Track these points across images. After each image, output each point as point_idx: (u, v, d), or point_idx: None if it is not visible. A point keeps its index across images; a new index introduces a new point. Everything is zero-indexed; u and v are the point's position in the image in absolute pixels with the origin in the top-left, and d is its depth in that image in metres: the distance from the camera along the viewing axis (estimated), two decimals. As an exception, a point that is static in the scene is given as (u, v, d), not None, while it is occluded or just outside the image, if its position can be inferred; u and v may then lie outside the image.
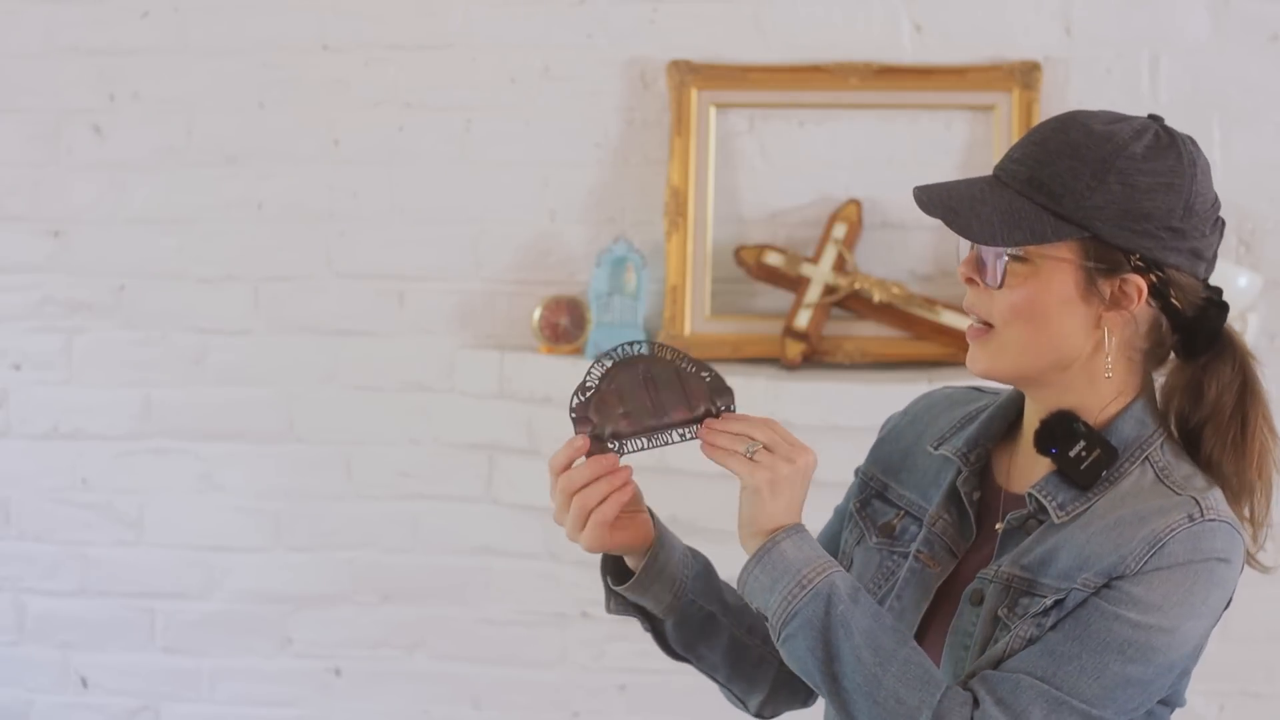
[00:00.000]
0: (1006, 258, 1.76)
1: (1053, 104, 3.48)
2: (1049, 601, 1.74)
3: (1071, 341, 1.78)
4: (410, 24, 3.65)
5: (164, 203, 3.74)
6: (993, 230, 1.75)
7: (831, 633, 1.71)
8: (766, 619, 1.76)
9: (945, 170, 3.49)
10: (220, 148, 3.72)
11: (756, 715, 2.02)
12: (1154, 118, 1.80)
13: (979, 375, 1.83)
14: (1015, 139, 3.41)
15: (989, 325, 1.80)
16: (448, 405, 3.69)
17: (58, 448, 3.81)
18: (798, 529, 1.76)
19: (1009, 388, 1.90)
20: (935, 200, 1.79)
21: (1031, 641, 1.74)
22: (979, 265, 1.80)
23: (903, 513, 1.93)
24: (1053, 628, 1.73)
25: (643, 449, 1.81)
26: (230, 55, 3.70)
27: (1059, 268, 1.76)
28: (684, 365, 1.82)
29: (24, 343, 3.80)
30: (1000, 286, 1.77)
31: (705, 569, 1.94)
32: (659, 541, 1.89)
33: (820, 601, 1.71)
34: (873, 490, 1.97)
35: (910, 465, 1.94)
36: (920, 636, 1.85)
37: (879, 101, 3.52)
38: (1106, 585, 1.72)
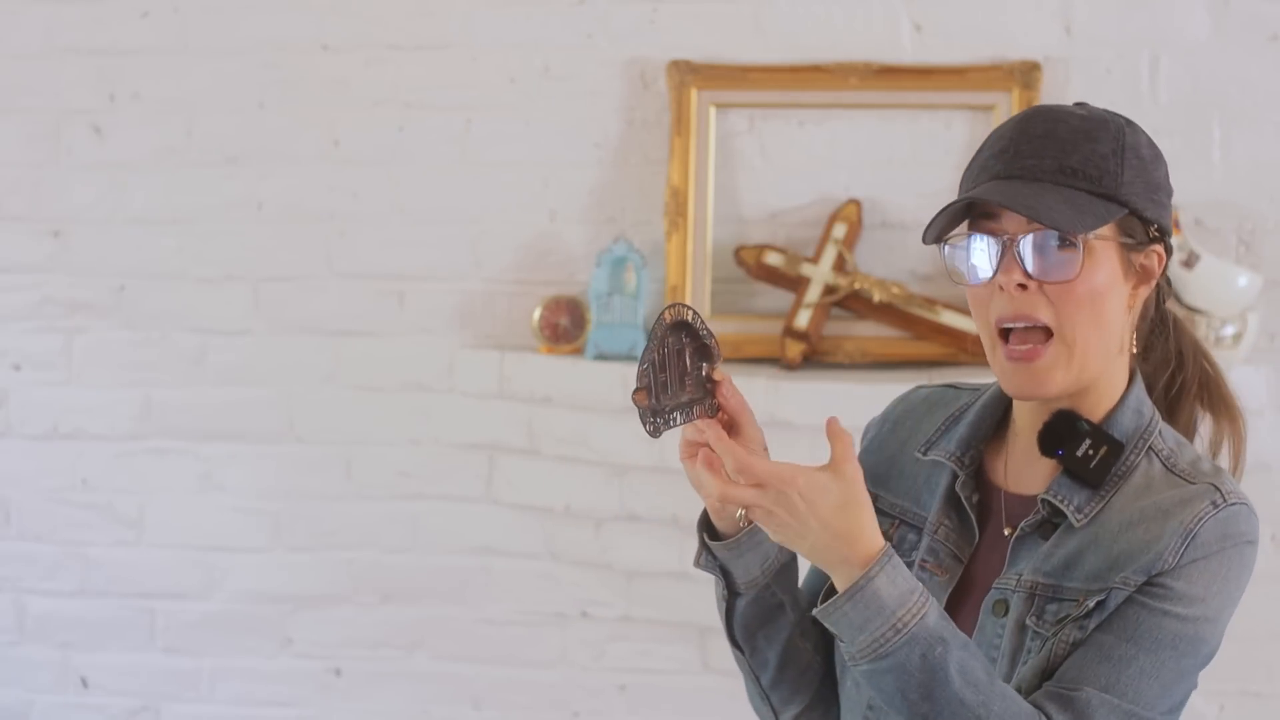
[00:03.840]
0: (1079, 246, 1.74)
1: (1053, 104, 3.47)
2: (1090, 604, 1.73)
3: (1118, 325, 1.79)
4: (410, 24, 3.65)
5: (164, 203, 3.74)
6: (1069, 218, 1.72)
7: (927, 675, 1.66)
8: (840, 639, 1.70)
9: (945, 170, 3.49)
10: (220, 148, 3.72)
11: None
12: (1079, 104, 1.83)
13: (1049, 397, 1.78)
14: (1015, 139, 3.42)
15: (1047, 334, 1.75)
16: (448, 405, 3.69)
17: (58, 448, 3.81)
18: (889, 557, 1.67)
19: (989, 382, 1.89)
20: (1004, 198, 1.73)
21: (1076, 645, 1.73)
22: (1039, 263, 1.74)
23: (898, 522, 1.90)
24: (1098, 629, 1.73)
25: (677, 425, 1.72)
26: (230, 55, 3.70)
27: (1106, 249, 1.76)
28: (699, 343, 1.75)
29: (24, 343, 3.80)
30: (1078, 276, 1.73)
31: (791, 560, 1.87)
32: None
33: (915, 646, 1.66)
34: None
35: (898, 472, 1.92)
36: None
37: (879, 101, 3.52)
38: (1148, 583, 1.72)
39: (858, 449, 1.93)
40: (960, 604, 1.83)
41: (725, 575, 1.83)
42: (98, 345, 3.78)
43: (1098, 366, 1.78)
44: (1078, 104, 1.82)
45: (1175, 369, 1.87)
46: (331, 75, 3.68)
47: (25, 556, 3.84)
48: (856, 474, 1.67)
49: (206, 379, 3.76)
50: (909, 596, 1.66)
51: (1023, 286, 1.75)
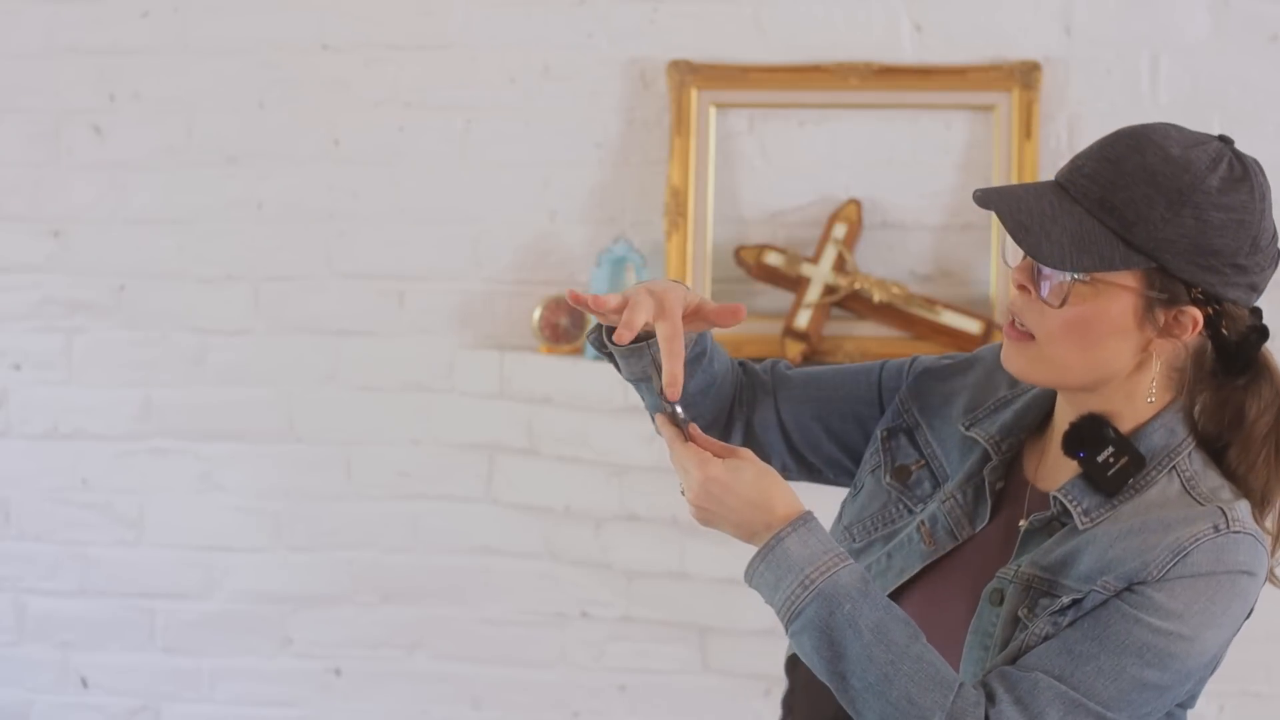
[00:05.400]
0: (1071, 280, 1.75)
1: (1053, 104, 3.47)
2: (1066, 600, 1.74)
3: (1116, 364, 1.78)
4: (410, 24, 3.65)
5: (164, 203, 3.74)
6: (1062, 253, 1.73)
7: (837, 633, 1.70)
8: (770, 604, 1.76)
9: (945, 170, 3.49)
10: (220, 148, 3.72)
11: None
12: (1224, 140, 1.79)
13: (1014, 375, 1.83)
14: (1015, 139, 3.42)
15: (1031, 334, 1.79)
16: (448, 405, 3.69)
17: (58, 448, 3.81)
18: (804, 520, 1.74)
19: None
20: (1003, 210, 1.76)
21: (1047, 639, 1.74)
22: (1035, 276, 1.78)
23: (922, 462, 1.93)
24: (1070, 626, 1.73)
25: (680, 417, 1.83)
26: (230, 55, 3.70)
27: (1120, 295, 1.75)
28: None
29: (24, 343, 3.80)
30: (1060, 306, 1.76)
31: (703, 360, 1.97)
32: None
33: (824, 602, 1.70)
34: (904, 424, 1.97)
35: (945, 415, 1.95)
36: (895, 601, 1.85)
37: (879, 101, 3.52)
38: (1128, 589, 1.72)
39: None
40: (940, 577, 1.85)
41: (609, 358, 1.95)
42: (98, 345, 3.78)
43: (1080, 383, 1.80)
44: (1189, 138, 1.77)
45: (1240, 430, 1.82)
46: (331, 75, 3.68)
47: (25, 556, 3.84)
48: (751, 454, 1.78)
49: (206, 379, 3.76)
50: (820, 555, 1.73)
51: (1023, 288, 1.79)
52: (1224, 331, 1.78)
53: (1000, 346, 1.96)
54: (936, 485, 1.92)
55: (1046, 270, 1.77)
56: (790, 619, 1.72)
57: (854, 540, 1.94)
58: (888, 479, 1.94)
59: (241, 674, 3.81)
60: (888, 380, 2.02)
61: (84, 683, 3.85)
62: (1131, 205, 1.73)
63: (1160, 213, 1.73)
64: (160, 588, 3.82)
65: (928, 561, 1.87)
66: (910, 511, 1.91)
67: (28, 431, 3.82)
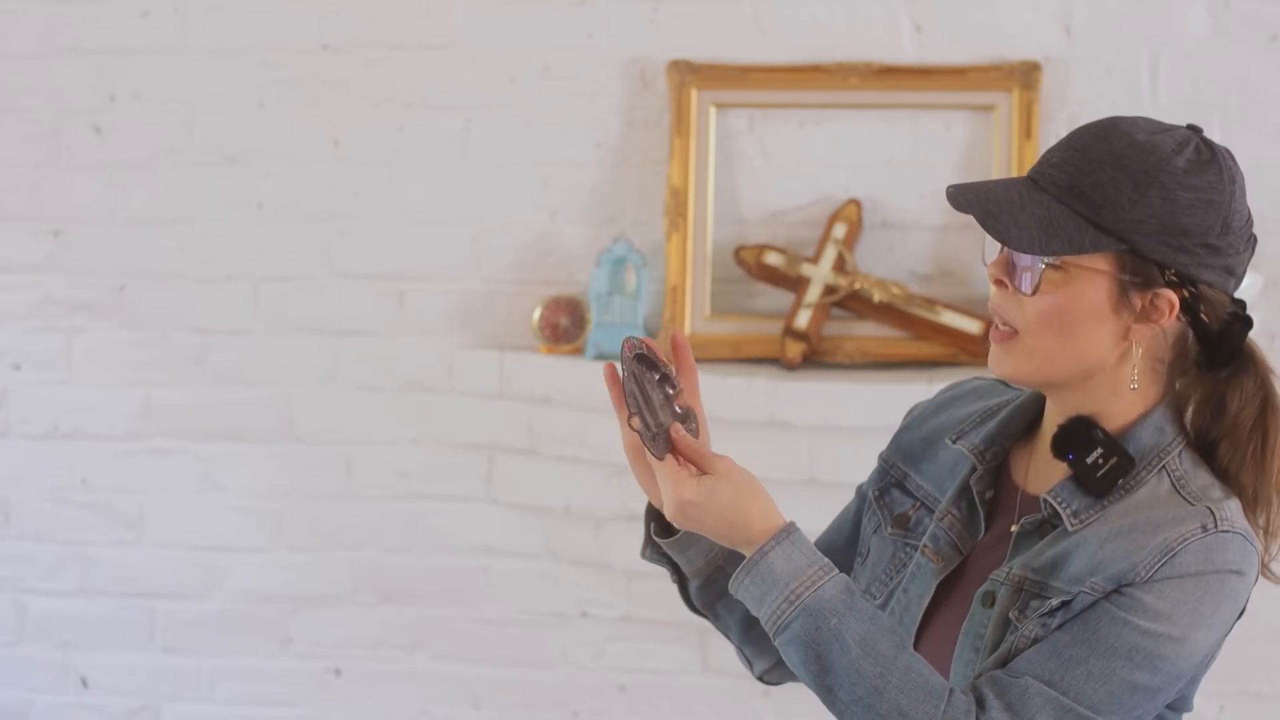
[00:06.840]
0: (1043, 266, 1.75)
1: (1052, 104, 3.48)
2: (1055, 602, 1.74)
3: (1098, 351, 1.78)
4: (410, 24, 3.65)
5: (164, 203, 3.74)
6: (1031, 238, 1.74)
7: (824, 647, 1.69)
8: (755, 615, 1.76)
9: (945, 170, 3.49)
10: (220, 148, 3.72)
11: (760, 679, 2.02)
12: (1193, 128, 1.80)
13: (1002, 377, 1.83)
14: (1015, 139, 3.42)
15: (1014, 330, 1.79)
16: (448, 405, 3.69)
17: (58, 448, 3.81)
18: (786, 533, 1.73)
19: None
20: (972, 201, 1.77)
21: (1036, 641, 1.73)
22: (1010, 269, 1.79)
23: (919, 504, 1.93)
24: (1059, 628, 1.73)
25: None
26: (230, 55, 3.70)
27: (1093, 279, 1.75)
28: (661, 372, 1.81)
29: (24, 343, 3.80)
30: (1034, 294, 1.76)
31: None
32: None
33: (810, 617, 1.70)
34: (892, 479, 1.97)
35: (931, 455, 1.94)
36: (922, 631, 1.86)
37: (879, 101, 3.52)
38: (1116, 591, 1.71)
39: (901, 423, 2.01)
40: (957, 593, 1.85)
41: (672, 565, 1.91)
42: (98, 345, 3.78)
43: (1065, 375, 1.79)
44: (1155, 126, 1.78)
45: (1225, 424, 1.81)
46: (331, 75, 3.68)
47: (25, 556, 3.84)
48: (731, 467, 1.75)
49: (206, 379, 3.76)
50: (805, 569, 1.72)
51: (1001, 283, 1.80)
52: (1203, 317, 1.78)
53: (965, 381, 2.00)
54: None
55: (1019, 260, 1.77)
56: (776, 632, 1.72)
57: (876, 598, 1.93)
58: (889, 530, 1.94)
59: (241, 674, 3.81)
60: (868, 486, 2.01)
61: (84, 683, 3.85)
62: (1099, 189, 1.74)
63: (1127, 194, 1.73)
64: (160, 588, 3.82)
65: (941, 577, 1.86)
66: (915, 548, 1.91)
67: (28, 431, 3.82)
